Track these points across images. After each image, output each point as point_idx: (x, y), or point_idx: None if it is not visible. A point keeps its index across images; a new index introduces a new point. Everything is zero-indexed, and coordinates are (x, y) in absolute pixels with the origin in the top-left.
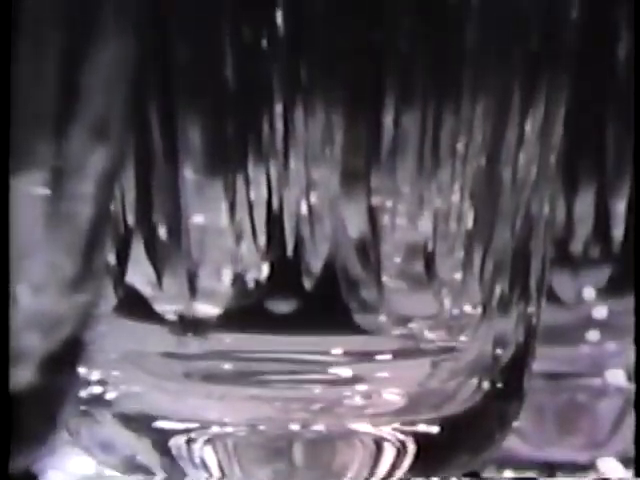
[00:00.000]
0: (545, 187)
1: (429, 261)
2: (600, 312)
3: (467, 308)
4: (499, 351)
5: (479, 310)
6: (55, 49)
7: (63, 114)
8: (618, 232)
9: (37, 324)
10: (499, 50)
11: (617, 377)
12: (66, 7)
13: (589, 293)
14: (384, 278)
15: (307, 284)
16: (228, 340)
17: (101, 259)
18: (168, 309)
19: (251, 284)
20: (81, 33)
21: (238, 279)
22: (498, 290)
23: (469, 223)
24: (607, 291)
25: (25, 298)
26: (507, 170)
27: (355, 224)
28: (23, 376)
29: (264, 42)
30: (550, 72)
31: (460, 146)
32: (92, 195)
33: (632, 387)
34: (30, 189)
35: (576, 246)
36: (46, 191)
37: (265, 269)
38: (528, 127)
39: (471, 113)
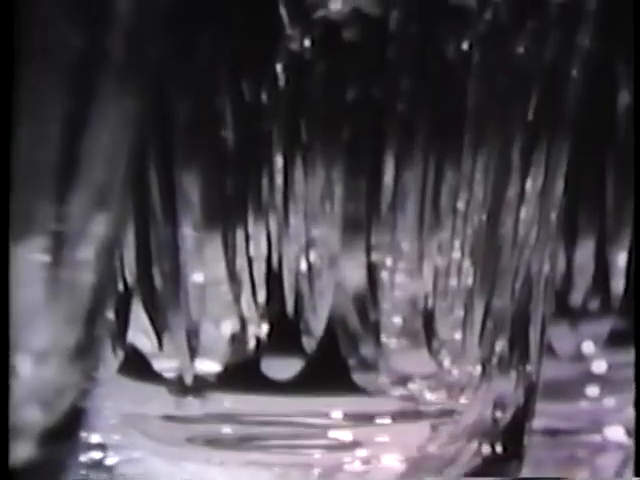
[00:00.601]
0: (546, 245)
1: (429, 319)
2: (599, 366)
3: (467, 368)
4: (499, 414)
5: (479, 370)
6: (56, 113)
7: (63, 179)
8: (618, 284)
9: (38, 396)
10: (500, 109)
11: (617, 433)
12: (67, 72)
13: (588, 347)
14: (383, 337)
15: (306, 343)
16: (227, 402)
17: (103, 326)
18: (167, 367)
19: (251, 341)
20: (82, 98)
21: (237, 336)
22: (498, 349)
23: (469, 280)
24: (607, 345)
25: (25, 369)
26: (508, 228)
27: (355, 281)
28: (23, 451)
29: (264, 97)
30: (551, 130)
31: (461, 203)
32: (93, 262)
33: (631, 443)
34: (30, 256)
35: (575, 299)
36: (46, 258)
37: (265, 326)
38: (529, 185)
39: (471, 170)
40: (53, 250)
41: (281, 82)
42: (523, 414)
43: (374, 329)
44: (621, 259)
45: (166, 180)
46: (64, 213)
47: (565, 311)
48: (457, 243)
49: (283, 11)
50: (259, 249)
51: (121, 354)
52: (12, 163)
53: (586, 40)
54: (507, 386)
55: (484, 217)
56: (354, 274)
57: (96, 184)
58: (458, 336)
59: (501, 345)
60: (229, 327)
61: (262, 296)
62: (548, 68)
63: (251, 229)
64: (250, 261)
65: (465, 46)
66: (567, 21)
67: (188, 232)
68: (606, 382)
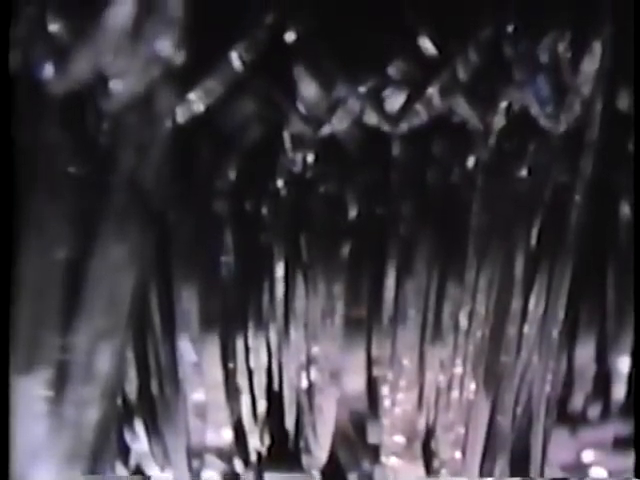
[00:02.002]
0: (547, 360)
1: (429, 437)
2: (599, 473)
3: None
4: None
5: None
6: (60, 246)
7: (67, 312)
8: (619, 390)
9: None
10: (503, 232)
11: None
12: (71, 205)
13: (588, 456)
14: (383, 456)
15: (305, 461)
16: None
17: (106, 460)
18: None
19: (252, 455)
20: (84, 233)
21: (238, 448)
22: (498, 470)
23: (471, 396)
24: (607, 452)
25: None
26: (510, 345)
27: (355, 397)
28: None
29: (264, 211)
30: (553, 253)
31: (463, 318)
32: (97, 398)
33: None
34: (33, 391)
35: (576, 405)
36: (50, 393)
37: (265, 440)
38: (532, 303)
39: (474, 284)
40: (56, 385)
41: (282, 197)
42: None
43: (374, 448)
44: (622, 364)
45: (165, 293)
46: (68, 344)
47: (565, 418)
48: (459, 360)
49: (286, 134)
50: (259, 361)
51: (125, 474)
52: (14, 299)
53: (589, 166)
54: None
55: (487, 333)
56: (355, 390)
57: (99, 313)
58: (458, 455)
59: (501, 464)
60: (229, 440)
61: (262, 408)
62: (551, 194)
63: (251, 341)
64: (250, 372)
65: (469, 170)
66: (569, 150)
67: (187, 346)
68: None
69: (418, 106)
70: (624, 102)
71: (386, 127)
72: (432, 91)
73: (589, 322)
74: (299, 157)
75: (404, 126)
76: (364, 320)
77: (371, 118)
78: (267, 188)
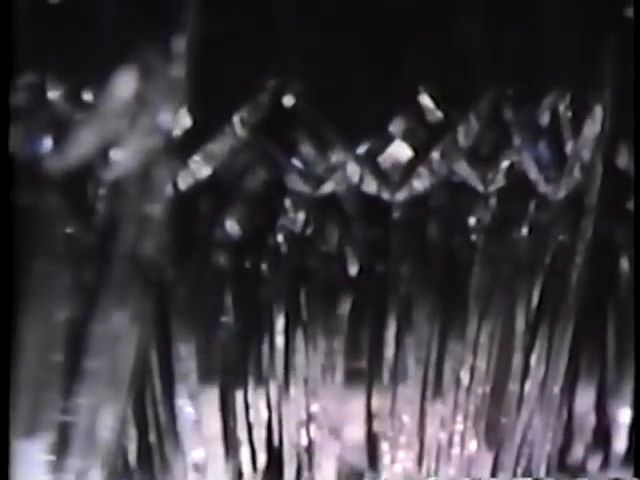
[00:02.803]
0: (549, 417)
1: None
2: None
3: None
4: None
5: None
6: (61, 310)
7: (68, 376)
8: (620, 442)
9: None
10: (504, 286)
11: None
12: (72, 272)
13: None
14: None
15: None
16: None
17: None
18: None
19: None
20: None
21: None
22: None
23: (471, 453)
24: None
25: None
26: (511, 401)
27: (355, 453)
28: None
29: (264, 267)
30: (554, 305)
31: (464, 374)
32: (99, 464)
33: None
34: (34, 456)
35: (575, 456)
36: (51, 457)
37: None
38: (533, 360)
39: (475, 340)
40: (58, 450)
41: (282, 253)
42: None
43: None
44: (622, 415)
45: (165, 350)
46: (69, 408)
47: (565, 469)
48: (460, 416)
49: (288, 201)
50: (259, 416)
51: None
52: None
53: (589, 226)
54: None
55: (488, 390)
56: (354, 446)
57: (101, 384)
58: None
59: None
60: None
61: (262, 462)
62: (551, 253)
63: (251, 396)
64: (250, 427)
65: (470, 233)
66: (569, 213)
67: (186, 402)
68: None
69: (419, 170)
70: (623, 160)
71: (386, 194)
72: (434, 155)
73: (589, 373)
74: (300, 216)
75: (404, 193)
76: (364, 376)
77: (371, 186)
78: (267, 244)
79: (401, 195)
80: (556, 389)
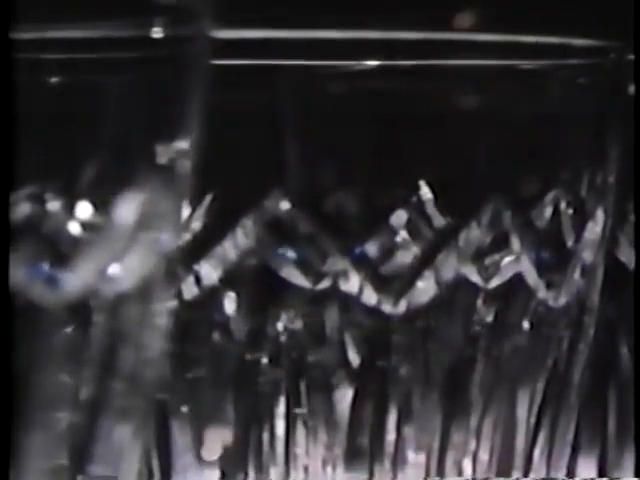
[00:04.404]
0: None
1: None
2: None
3: None
4: None
5: None
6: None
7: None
8: None
9: None
10: (507, 380)
11: None
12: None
13: None
14: None
15: None
16: None
17: None
18: None
19: None
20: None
21: None
22: None
23: None
24: None
25: None
26: None
27: None
28: None
29: (264, 360)
30: (557, 397)
31: (467, 463)
32: None
33: None
34: None
35: None
36: None
37: None
38: (536, 453)
39: (478, 430)
40: None
41: (282, 341)
42: None
43: None
44: None
45: (164, 442)
46: None
47: None
48: None
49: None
50: None
51: None
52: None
53: (592, 324)
54: None
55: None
56: None
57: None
58: None
59: None
60: None
61: None
62: (554, 347)
63: None
64: None
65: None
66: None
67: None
68: None
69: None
70: (624, 254)
71: (387, 307)
72: (437, 259)
73: (590, 449)
74: (299, 314)
75: (403, 305)
76: (365, 465)
77: (371, 299)
78: (267, 336)
79: (400, 311)
80: (560, 476)
